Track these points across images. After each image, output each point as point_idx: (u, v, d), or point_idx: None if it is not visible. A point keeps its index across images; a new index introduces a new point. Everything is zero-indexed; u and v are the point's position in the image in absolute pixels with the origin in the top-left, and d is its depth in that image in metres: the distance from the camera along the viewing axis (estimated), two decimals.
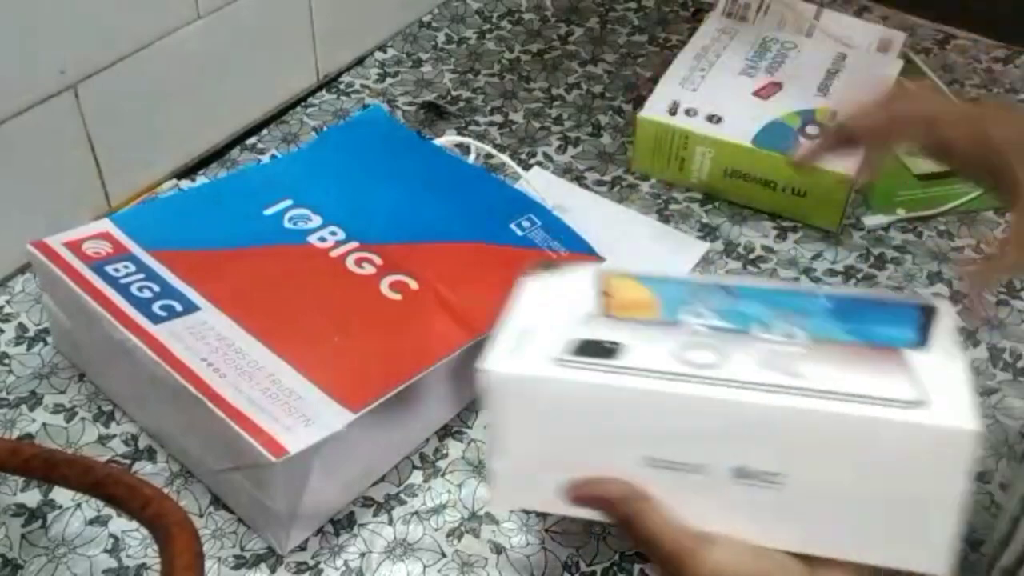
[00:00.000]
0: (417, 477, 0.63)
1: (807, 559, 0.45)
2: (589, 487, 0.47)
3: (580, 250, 0.71)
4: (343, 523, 0.61)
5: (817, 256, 0.79)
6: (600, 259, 0.71)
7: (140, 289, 0.62)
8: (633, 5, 1.06)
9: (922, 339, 0.47)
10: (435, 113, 0.91)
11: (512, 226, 0.71)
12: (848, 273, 0.78)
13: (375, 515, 0.61)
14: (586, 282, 0.53)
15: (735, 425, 0.45)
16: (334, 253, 0.67)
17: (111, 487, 0.50)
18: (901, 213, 0.83)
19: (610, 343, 0.48)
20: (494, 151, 0.84)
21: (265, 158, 0.86)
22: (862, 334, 0.48)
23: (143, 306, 0.61)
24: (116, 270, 0.63)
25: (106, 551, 0.59)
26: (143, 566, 0.58)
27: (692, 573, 0.44)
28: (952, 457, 0.43)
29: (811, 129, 0.82)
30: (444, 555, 0.59)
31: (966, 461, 0.43)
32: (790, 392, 0.44)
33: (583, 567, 0.59)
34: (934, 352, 0.46)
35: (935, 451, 0.43)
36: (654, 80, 0.89)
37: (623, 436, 0.47)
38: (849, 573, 0.45)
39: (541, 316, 0.51)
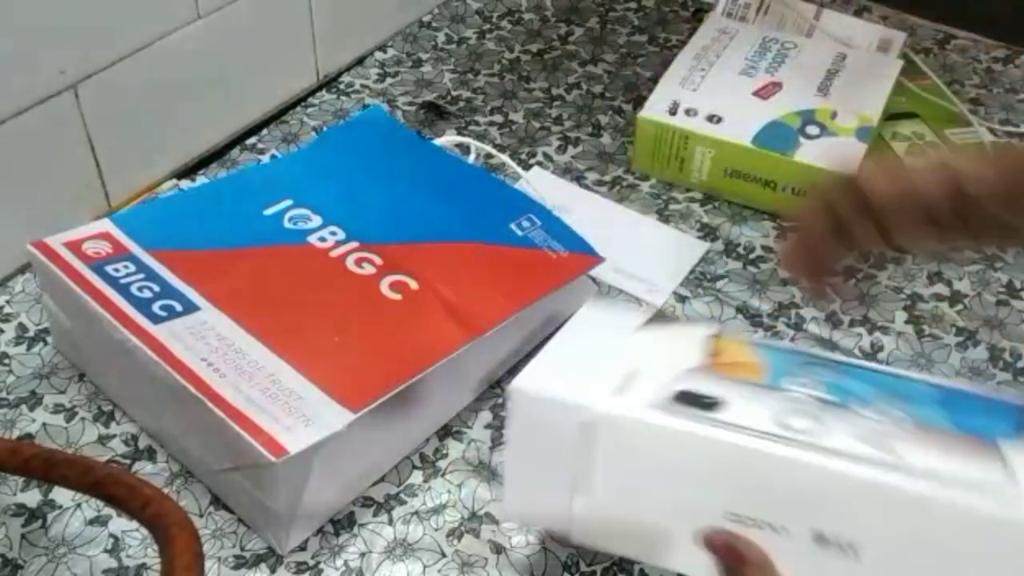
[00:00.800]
0: (417, 477, 0.63)
1: None
2: (730, 538, 0.47)
3: (580, 250, 0.71)
4: (343, 523, 0.61)
5: None
6: (600, 259, 0.71)
7: (140, 289, 0.62)
8: (633, 5, 1.06)
9: (1021, 434, 0.47)
10: (435, 113, 0.91)
11: (512, 226, 0.71)
12: (847, 273, 0.78)
13: (375, 515, 0.61)
14: (695, 338, 0.54)
15: (824, 491, 0.45)
16: (334, 253, 0.67)
17: (111, 487, 0.50)
18: None
19: (711, 398, 0.49)
20: (494, 151, 0.84)
21: (265, 158, 0.86)
22: (963, 424, 0.47)
23: (143, 306, 0.61)
24: (116, 270, 0.63)
25: (106, 551, 0.59)
26: (143, 566, 0.58)
27: None
28: None
29: (811, 129, 0.82)
30: (444, 555, 0.59)
31: None
32: (882, 467, 0.44)
33: (583, 567, 0.59)
34: None
35: (1020, 545, 0.42)
36: (654, 80, 0.89)
37: (709, 487, 0.48)
38: None
39: (647, 362, 0.52)
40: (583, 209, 0.81)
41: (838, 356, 0.53)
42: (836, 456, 0.45)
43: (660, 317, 0.57)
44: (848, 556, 0.45)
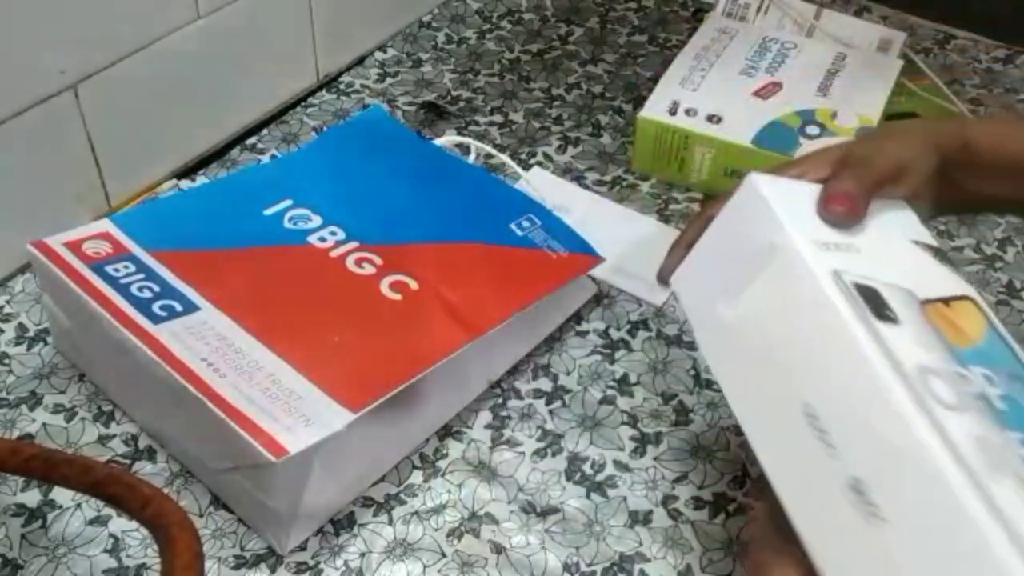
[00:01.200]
0: (417, 477, 0.63)
1: None
2: None
3: (580, 250, 0.71)
4: (343, 523, 0.61)
5: None
6: (600, 259, 0.71)
7: (140, 289, 0.62)
8: (633, 5, 1.06)
9: None
10: (435, 113, 0.91)
11: (512, 226, 0.71)
12: None
13: (375, 515, 0.61)
14: (947, 282, 0.51)
15: (897, 449, 0.42)
16: (334, 253, 0.67)
17: (111, 487, 0.50)
18: None
19: (891, 312, 0.46)
20: (494, 151, 0.84)
21: (265, 158, 0.86)
22: None
23: (143, 306, 0.61)
24: (116, 270, 0.63)
25: (106, 551, 0.59)
26: (143, 566, 0.58)
27: None
28: None
29: (811, 129, 0.82)
30: (444, 555, 0.59)
31: None
32: (964, 474, 0.40)
33: (583, 567, 0.59)
34: None
35: None
36: (654, 80, 0.89)
37: (813, 369, 0.46)
38: None
39: (876, 253, 0.50)
40: (583, 209, 0.81)
41: None
42: (935, 432, 0.41)
43: (941, 255, 0.53)
44: (866, 517, 0.42)
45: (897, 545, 0.42)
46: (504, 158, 0.84)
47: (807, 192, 0.53)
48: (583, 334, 0.72)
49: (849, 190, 0.53)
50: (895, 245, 0.52)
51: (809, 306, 0.47)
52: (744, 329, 0.50)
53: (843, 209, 0.53)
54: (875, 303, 0.46)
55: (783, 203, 0.51)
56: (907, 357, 0.44)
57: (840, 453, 0.44)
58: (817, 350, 0.46)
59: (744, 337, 0.50)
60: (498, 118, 0.91)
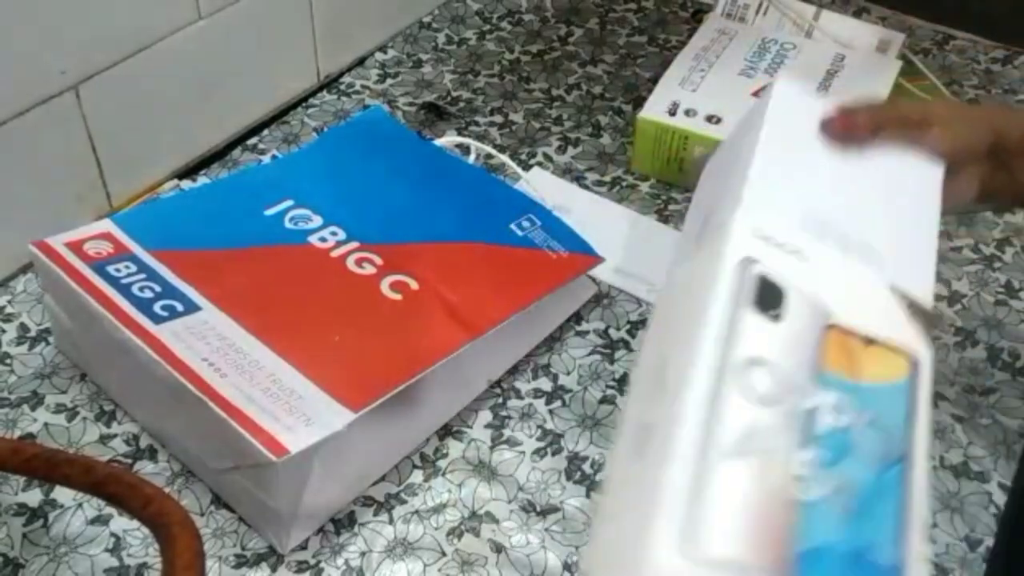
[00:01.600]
0: (417, 476, 0.64)
1: None
2: None
3: (580, 250, 0.71)
4: (344, 522, 0.61)
5: None
6: (600, 259, 0.71)
7: (141, 289, 0.63)
8: (633, 6, 1.06)
9: None
10: (435, 114, 0.92)
11: (512, 226, 0.72)
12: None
13: (375, 514, 0.62)
14: (891, 325, 0.50)
15: (670, 409, 0.44)
16: (335, 253, 0.68)
17: (112, 486, 0.50)
18: None
19: (779, 313, 0.47)
20: (494, 151, 0.84)
21: (266, 158, 0.86)
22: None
23: (144, 306, 0.61)
24: (117, 270, 0.64)
25: (107, 550, 0.59)
26: (144, 565, 0.58)
27: None
28: None
29: None
30: (444, 554, 0.60)
31: None
32: (689, 454, 0.42)
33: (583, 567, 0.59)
34: None
35: None
36: (654, 81, 0.89)
37: (681, 331, 0.48)
38: None
39: (834, 276, 0.50)
40: (583, 209, 0.81)
41: (920, 446, 0.47)
42: (703, 404, 0.43)
43: (920, 314, 0.51)
44: (636, 454, 0.45)
45: (636, 480, 0.44)
46: (504, 158, 0.84)
47: (819, 110, 0.55)
48: (583, 334, 0.73)
49: (854, 113, 0.54)
50: (863, 280, 0.51)
51: (708, 278, 0.48)
52: (669, 292, 0.53)
53: (839, 126, 0.54)
54: (768, 299, 0.47)
55: (780, 120, 0.53)
56: (748, 348, 0.45)
57: (656, 400, 0.46)
58: (689, 316, 0.48)
59: (665, 300, 0.54)
60: (498, 118, 0.91)
